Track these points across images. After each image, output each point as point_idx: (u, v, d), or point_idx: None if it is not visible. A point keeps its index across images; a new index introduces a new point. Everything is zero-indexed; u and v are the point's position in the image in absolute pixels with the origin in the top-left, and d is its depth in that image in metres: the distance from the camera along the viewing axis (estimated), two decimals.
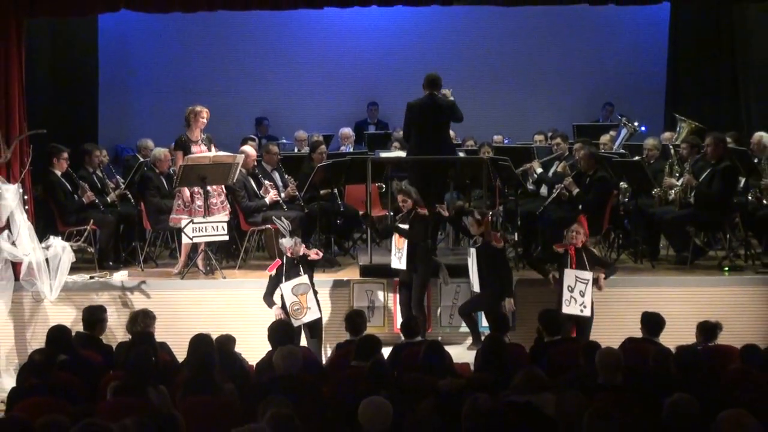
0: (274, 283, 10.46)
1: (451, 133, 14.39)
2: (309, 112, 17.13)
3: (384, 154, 13.61)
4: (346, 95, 17.38)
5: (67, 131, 14.14)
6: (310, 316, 10.33)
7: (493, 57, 17.45)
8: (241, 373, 8.08)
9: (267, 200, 12.28)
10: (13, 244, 10.82)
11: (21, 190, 10.98)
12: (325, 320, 10.86)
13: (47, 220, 12.26)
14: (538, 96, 17.47)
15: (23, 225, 10.86)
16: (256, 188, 12.40)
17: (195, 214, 11.47)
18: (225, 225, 11.56)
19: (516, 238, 12.43)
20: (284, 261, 10.47)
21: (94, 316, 9.39)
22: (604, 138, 14.44)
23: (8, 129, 11.19)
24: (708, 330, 9.03)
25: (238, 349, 8.65)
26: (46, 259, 10.91)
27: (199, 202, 11.50)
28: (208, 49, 17.19)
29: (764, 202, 12.06)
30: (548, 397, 6.43)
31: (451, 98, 11.87)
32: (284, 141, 15.86)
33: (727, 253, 12.00)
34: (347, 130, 16.01)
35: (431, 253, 10.99)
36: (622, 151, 13.82)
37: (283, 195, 12.47)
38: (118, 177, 13.44)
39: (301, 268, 10.45)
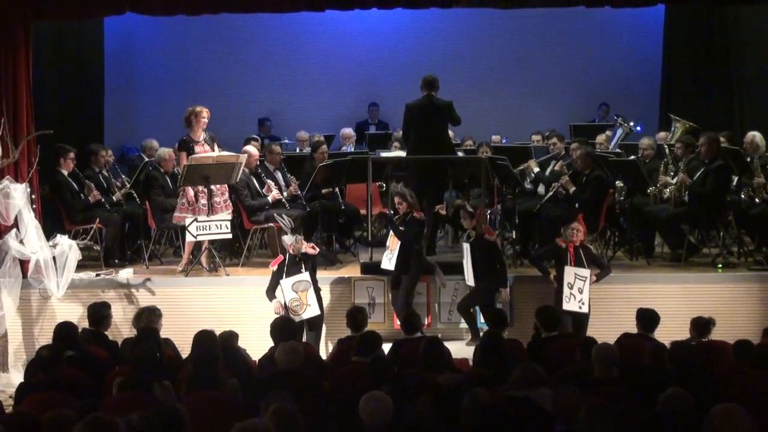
0: (275, 279, 10.49)
1: (450, 133, 14.41)
2: (311, 113, 17.12)
3: (384, 154, 13.61)
4: (347, 96, 17.37)
5: (74, 132, 14.17)
6: (309, 313, 10.34)
7: (492, 58, 17.44)
8: (244, 368, 8.07)
9: (269, 199, 12.30)
10: (21, 242, 10.83)
11: (29, 190, 10.99)
12: (326, 316, 10.86)
13: (54, 219, 12.26)
14: (536, 97, 17.45)
15: (31, 224, 10.86)
16: (258, 187, 12.41)
17: (199, 212, 11.47)
18: (228, 223, 11.56)
19: (514, 236, 12.44)
20: (286, 258, 10.49)
21: (99, 313, 9.40)
22: (600, 138, 14.47)
23: (16, 129, 11.21)
24: (702, 326, 9.03)
25: (241, 344, 8.65)
26: (53, 257, 10.92)
27: (203, 201, 11.50)
28: (211, 51, 17.18)
29: (757, 200, 12.07)
30: (546, 391, 6.43)
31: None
32: (286, 141, 15.85)
33: (720, 251, 12.01)
34: (348, 131, 16.01)
35: (423, 256, 10.97)
36: (617, 150, 13.84)
37: (285, 194, 12.49)
38: (123, 176, 13.43)
39: (303, 266, 10.46)
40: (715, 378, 7.57)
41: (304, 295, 10.37)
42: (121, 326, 10.70)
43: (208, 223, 11.37)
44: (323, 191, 12.67)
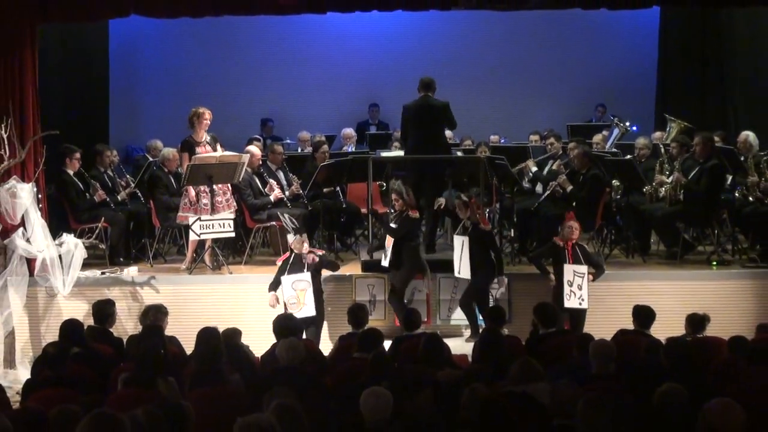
0: (279, 274, 10.52)
1: (449, 133, 14.43)
2: (312, 113, 17.11)
3: (385, 154, 13.62)
4: (348, 97, 17.37)
5: (79, 132, 14.14)
6: (304, 313, 10.33)
7: (490, 60, 17.43)
8: (247, 364, 8.08)
9: (272, 198, 12.31)
10: (28, 241, 10.83)
11: (35, 189, 11.00)
12: (328, 314, 10.88)
13: (60, 218, 12.27)
14: (533, 97, 17.45)
15: (37, 223, 10.87)
16: (261, 187, 12.42)
17: (201, 212, 11.49)
18: (231, 222, 11.58)
19: (512, 234, 12.44)
20: (291, 255, 10.53)
21: (104, 311, 9.41)
22: (597, 137, 14.47)
23: (23, 130, 11.21)
24: (696, 322, 9.04)
25: (243, 341, 8.64)
26: (59, 256, 10.92)
27: (205, 201, 11.52)
28: (214, 52, 17.19)
29: (750, 198, 12.07)
30: (543, 386, 6.42)
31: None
32: (288, 141, 15.85)
33: (715, 248, 12.01)
34: (349, 131, 16.01)
35: (417, 253, 10.95)
36: (614, 150, 13.85)
37: (287, 193, 12.49)
38: (128, 176, 13.43)
39: (306, 266, 10.47)
40: (709, 373, 7.59)
41: (302, 294, 10.39)
42: (126, 323, 10.75)
43: (212, 222, 11.39)
44: (325, 190, 12.67)
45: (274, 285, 10.59)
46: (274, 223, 12.14)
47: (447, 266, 11.08)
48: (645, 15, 15.97)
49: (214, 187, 11.48)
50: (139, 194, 12.93)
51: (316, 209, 12.35)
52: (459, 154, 13.44)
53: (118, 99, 16.71)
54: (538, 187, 12.92)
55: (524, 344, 9.09)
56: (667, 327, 9.14)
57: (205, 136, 11.80)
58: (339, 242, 13.06)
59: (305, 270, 10.45)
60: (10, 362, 10.74)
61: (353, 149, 15.24)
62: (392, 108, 15.91)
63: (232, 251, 12.61)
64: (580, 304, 10.42)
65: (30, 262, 10.96)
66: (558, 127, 14.87)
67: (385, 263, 10.94)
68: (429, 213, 11.91)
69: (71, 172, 12.23)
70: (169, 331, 9.10)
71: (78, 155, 12.32)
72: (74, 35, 15.36)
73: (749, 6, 13.64)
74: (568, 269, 10.48)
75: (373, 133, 16.21)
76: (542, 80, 17.49)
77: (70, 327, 8.66)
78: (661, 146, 12.89)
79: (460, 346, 10.32)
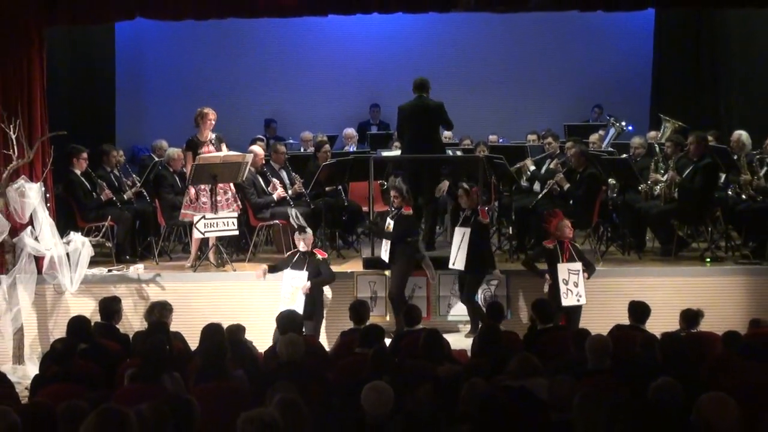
0: (284, 262, 10.67)
1: (449, 133, 14.45)
2: (314, 114, 17.12)
3: (385, 153, 13.63)
4: (350, 98, 17.37)
5: (86, 133, 14.14)
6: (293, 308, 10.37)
7: (489, 61, 17.44)
8: (251, 360, 8.07)
9: (275, 197, 12.31)
10: (36, 239, 10.83)
11: (43, 189, 10.99)
12: (329, 310, 10.88)
13: (68, 217, 12.27)
14: (531, 98, 17.46)
15: (45, 221, 10.87)
16: (264, 186, 12.42)
17: (200, 210, 11.52)
18: (235, 220, 11.59)
19: (510, 232, 12.44)
20: (297, 251, 10.58)
21: (110, 307, 9.42)
22: (594, 137, 14.46)
23: (31, 131, 11.21)
24: (691, 317, 9.05)
25: (247, 337, 8.64)
26: (67, 254, 10.92)
27: (204, 199, 11.57)
28: (219, 54, 17.19)
29: (743, 196, 12.07)
30: (541, 381, 6.43)
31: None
32: (291, 141, 15.85)
33: (708, 245, 12.01)
34: (350, 131, 16.02)
35: (413, 249, 10.95)
36: (610, 149, 13.86)
37: (290, 192, 12.48)
38: (134, 176, 13.44)
39: (307, 265, 10.48)
40: (703, 368, 7.59)
41: (296, 292, 10.40)
42: (132, 320, 10.75)
43: (216, 221, 11.39)
44: (327, 189, 12.69)
45: (274, 268, 10.70)
46: (277, 221, 12.15)
47: (446, 263, 11.06)
48: (640, 18, 15.98)
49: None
50: (145, 193, 12.93)
51: (319, 208, 12.35)
52: (459, 153, 13.44)
53: (124, 100, 16.71)
54: (536, 186, 12.93)
55: (522, 340, 9.10)
56: (662, 322, 9.14)
57: (210, 136, 11.81)
58: (341, 240, 13.09)
59: (305, 269, 10.46)
60: (18, 358, 10.75)
61: (355, 149, 15.24)
62: (393, 108, 15.70)
63: (235, 249, 12.61)
64: (578, 300, 10.39)
65: (38, 260, 10.96)
66: (555, 127, 14.87)
67: (385, 257, 10.94)
68: (428, 211, 11.90)
69: (78, 172, 12.22)
70: (174, 328, 9.10)
71: (85, 155, 12.32)
72: (81, 38, 15.35)
73: (741, 8, 13.65)
74: (562, 268, 10.44)
75: (374, 133, 16.20)
76: (540, 81, 17.49)
77: (77, 323, 8.67)
78: (656, 145, 12.90)
79: (460, 341, 10.33)
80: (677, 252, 11.96)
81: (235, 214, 11.67)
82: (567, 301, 10.34)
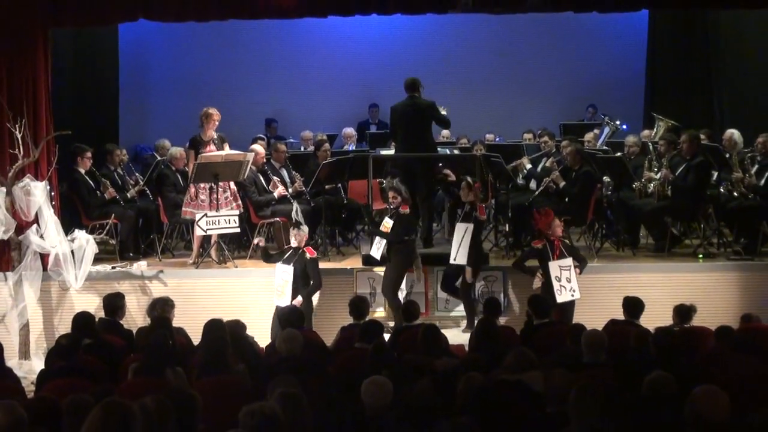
0: (278, 254, 10.73)
1: (447, 132, 14.45)
2: (314, 114, 17.08)
3: (384, 152, 13.58)
4: (349, 97, 17.34)
5: (90, 132, 14.13)
6: (282, 302, 10.38)
7: (485, 61, 17.42)
8: (252, 354, 8.07)
9: (275, 195, 12.31)
10: (41, 237, 10.84)
11: (48, 187, 11.00)
12: (329, 306, 10.89)
13: (72, 215, 12.27)
14: (527, 97, 17.43)
15: (50, 219, 10.87)
16: (265, 184, 12.42)
17: (199, 207, 11.55)
18: (236, 218, 11.61)
19: (507, 229, 12.45)
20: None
21: (114, 303, 9.43)
22: (589, 136, 14.48)
23: (36, 130, 11.21)
24: (684, 312, 9.06)
25: (248, 332, 8.64)
26: (72, 251, 10.93)
27: (203, 197, 11.61)
28: (220, 55, 17.16)
29: (735, 194, 12.05)
30: (537, 375, 6.43)
31: (444, 112, 11.94)
32: (291, 140, 15.84)
33: (701, 242, 12.02)
34: (350, 130, 16.00)
35: (408, 248, 10.93)
36: (605, 147, 13.87)
37: (290, 190, 12.48)
38: (137, 174, 13.45)
39: (298, 259, 10.47)
40: (696, 362, 7.59)
41: (285, 285, 10.41)
42: (136, 316, 10.74)
43: (217, 218, 11.40)
44: (326, 187, 12.68)
45: (269, 257, 10.75)
46: (278, 218, 12.15)
47: (445, 260, 11.06)
48: (634, 18, 15.95)
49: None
50: (148, 192, 12.94)
51: (319, 205, 12.34)
52: (456, 152, 13.44)
53: (127, 100, 16.68)
54: (532, 184, 12.93)
55: (519, 334, 9.10)
56: (655, 317, 9.17)
57: (213, 136, 11.83)
58: (341, 237, 13.11)
59: (294, 263, 10.46)
60: (24, 353, 10.74)
61: (354, 148, 15.23)
62: None
63: (237, 246, 12.61)
64: (572, 295, 10.40)
65: (43, 257, 10.97)
66: (551, 126, 14.84)
67: (376, 255, 10.94)
68: (424, 209, 11.90)
69: (83, 171, 12.24)
70: (176, 323, 9.09)
71: (89, 154, 12.33)
72: (85, 39, 15.34)
73: (732, 8, 13.67)
74: (554, 266, 10.44)
75: (373, 133, 16.18)
76: (536, 81, 17.48)
77: (82, 319, 8.67)
78: (650, 144, 12.89)
79: (457, 336, 10.32)
80: (670, 248, 11.97)
81: (237, 212, 11.68)
82: (561, 297, 10.34)
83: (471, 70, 17.34)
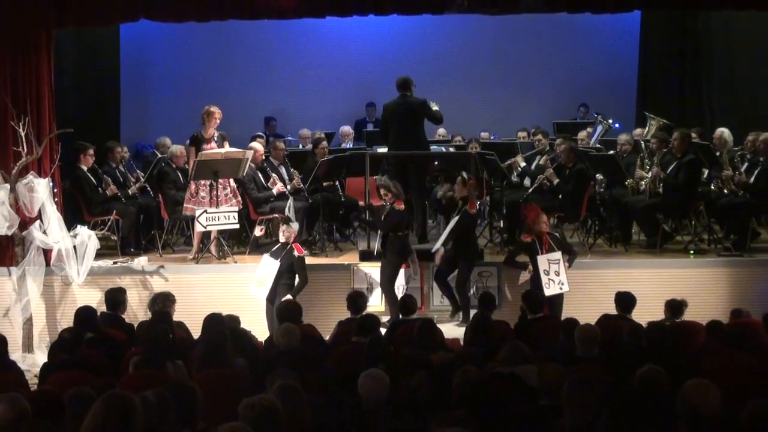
0: (268, 248, 10.78)
1: (443, 130, 14.45)
2: (313, 112, 17.06)
3: (381, 150, 13.59)
4: (346, 96, 17.33)
5: (92, 130, 14.11)
6: (257, 291, 10.49)
7: (480, 61, 17.41)
8: (251, 348, 8.07)
9: (274, 191, 12.30)
10: (44, 233, 10.83)
11: (51, 184, 11.00)
12: (328, 300, 10.88)
13: (75, 211, 12.27)
14: (522, 96, 17.44)
15: (53, 215, 10.87)
16: (264, 181, 12.41)
17: (200, 204, 11.54)
18: (236, 214, 11.60)
19: (501, 225, 12.45)
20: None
21: (116, 298, 9.43)
22: (582, 134, 14.51)
23: (39, 128, 11.19)
24: (675, 307, 9.07)
25: (247, 327, 8.64)
26: (74, 247, 10.92)
27: (203, 194, 11.61)
28: (220, 54, 17.14)
29: (725, 191, 12.07)
30: (531, 368, 6.43)
31: (436, 107, 11.93)
32: (290, 138, 15.83)
33: (692, 238, 12.02)
34: (347, 128, 15.98)
35: (403, 243, 10.91)
36: (598, 145, 13.88)
37: (289, 187, 12.47)
38: (138, 171, 13.43)
39: (285, 255, 10.46)
40: (687, 356, 7.59)
41: (268, 277, 10.43)
42: (137, 310, 10.74)
43: (217, 214, 11.40)
44: (324, 184, 12.67)
45: (256, 246, 10.88)
46: (276, 215, 12.15)
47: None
48: (626, 19, 15.94)
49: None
50: (149, 188, 12.93)
51: (317, 202, 12.33)
52: (452, 149, 13.43)
53: (129, 99, 16.68)
54: (526, 181, 12.92)
55: (513, 328, 9.10)
56: (647, 312, 9.16)
57: (214, 134, 11.83)
58: (338, 233, 13.11)
59: (279, 259, 10.45)
60: (28, 347, 10.74)
61: (351, 146, 15.23)
62: None
63: (236, 242, 12.60)
64: (561, 288, 10.40)
65: (46, 252, 10.97)
66: (544, 125, 14.84)
67: (375, 252, 10.95)
68: (418, 205, 11.90)
69: (85, 168, 12.22)
70: (177, 317, 9.08)
71: (91, 152, 12.32)
72: (87, 39, 15.34)
73: (722, 10, 13.68)
74: (542, 260, 10.44)
75: (370, 131, 16.16)
76: (530, 81, 17.47)
77: (84, 313, 8.67)
78: (642, 142, 12.89)
79: (453, 330, 10.31)
80: (662, 244, 11.96)
81: (236, 209, 11.68)
82: (549, 290, 10.33)
83: (466, 70, 17.34)
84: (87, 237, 10.99)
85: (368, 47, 17.25)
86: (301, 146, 15.26)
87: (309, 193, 12.57)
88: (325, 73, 17.29)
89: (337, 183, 13.03)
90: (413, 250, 10.94)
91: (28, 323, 10.80)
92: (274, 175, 12.48)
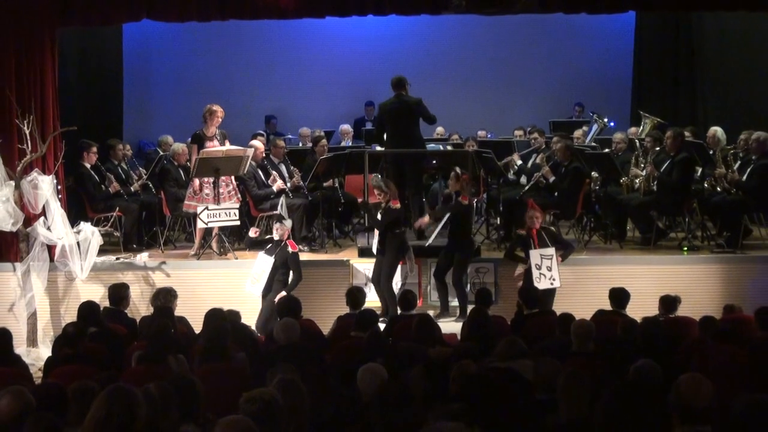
0: (266, 243, 10.70)
1: (441, 129, 14.45)
2: (312, 111, 17.07)
3: (379, 148, 13.59)
4: (346, 95, 17.33)
5: (95, 128, 14.12)
6: (253, 288, 10.47)
7: (477, 60, 17.41)
8: (251, 343, 8.08)
9: (274, 189, 12.30)
10: (49, 229, 10.82)
11: (55, 181, 10.98)
12: (327, 296, 10.88)
13: (78, 208, 12.28)
14: (518, 95, 17.45)
15: (57, 212, 10.85)
16: (264, 178, 12.41)
17: (203, 201, 11.55)
18: (237, 211, 11.62)
19: (498, 222, 12.45)
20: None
21: (118, 293, 9.43)
22: (578, 132, 14.51)
23: (43, 126, 11.20)
24: (669, 303, 9.08)
25: (247, 322, 8.64)
26: (78, 243, 10.91)
27: (207, 191, 11.59)
28: (221, 54, 17.14)
29: (718, 189, 12.07)
30: (527, 363, 6.43)
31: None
32: (290, 136, 15.82)
33: (686, 235, 12.03)
34: (347, 127, 15.99)
35: (401, 240, 10.89)
36: (593, 144, 13.88)
37: (289, 184, 12.47)
38: (140, 169, 13.43)
39: (279, 252, 10.45)
40: (681, 350, 7.59)
41: (263, 274, 10.43)
42: (139, 305, 10.74)
43: (218, 211, 11.41)
44: (324, 185, 12.67)
45: (255, 244, 10.80)
46: (276, 212, 12.14)
47: (437, 253, 11.05)
48: (621, 20, 15.96)
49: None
50: (151, 186, 12.93)
51: (316, 199, 12.33)
52: (449, 148, 13.43)
53: (131, 97, 16.70)
54: (523, 179, 12.93)
55: (510, 324, 9.11)
56: (642, 307, 9.17)
57: (216, 132, 11.83)
58: (337, 230, 13.10)
59: (273, 256, 10.45)
60: (32, 341, 10.74)
61: (350, 144, 15.23)
62: None
63: (237, 238, 12.59)
64: (552, 283, 10.40)
65: (50, 248, 10.96)
66: (540, 123, 14.87)
67: (373, 249, 10.94)
68: (415, 203, 11.89)
69: (88, 165, 12.24)
70: (178, 312, 9.10)
71: (95, 149, 12.34)
72: (90, 38, 15.35)
73: (716, 11, 13.68)
74: (534, 254, 10.45)
75: (369, 129, 16.15)
76: (526, 80, 17.49)
77: (87, 308, 8.66)
78: (637, 141, 12.89)
79: (450, 325, 10.31)
80: (656, 241, 11.97)
81: (237, 205, 11.68)
82: (541, 285, 10.30)
83: (463, 69, 17.34)
84: (90, 233, 10.98)
85: (368, 47, 17.24)
86: (301, 144, 15.25)
87: (309, 191, 12.57)
88: (324, 72, 17.29)
89: (336, 180, 13.01)
90: (410, 247, 10.93)
91: (33, 318, 10.80)
92: (274, 172, 12.48)
